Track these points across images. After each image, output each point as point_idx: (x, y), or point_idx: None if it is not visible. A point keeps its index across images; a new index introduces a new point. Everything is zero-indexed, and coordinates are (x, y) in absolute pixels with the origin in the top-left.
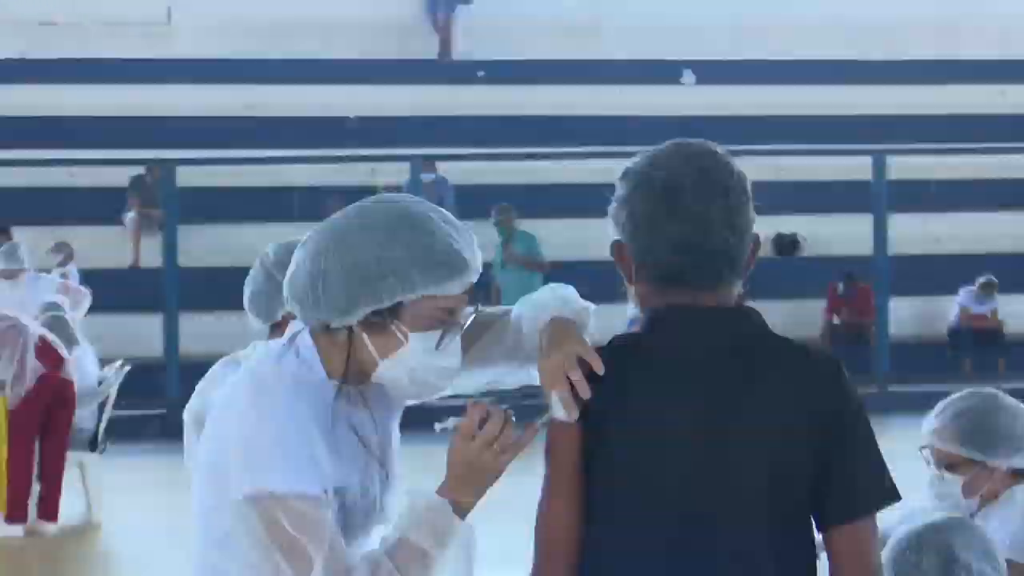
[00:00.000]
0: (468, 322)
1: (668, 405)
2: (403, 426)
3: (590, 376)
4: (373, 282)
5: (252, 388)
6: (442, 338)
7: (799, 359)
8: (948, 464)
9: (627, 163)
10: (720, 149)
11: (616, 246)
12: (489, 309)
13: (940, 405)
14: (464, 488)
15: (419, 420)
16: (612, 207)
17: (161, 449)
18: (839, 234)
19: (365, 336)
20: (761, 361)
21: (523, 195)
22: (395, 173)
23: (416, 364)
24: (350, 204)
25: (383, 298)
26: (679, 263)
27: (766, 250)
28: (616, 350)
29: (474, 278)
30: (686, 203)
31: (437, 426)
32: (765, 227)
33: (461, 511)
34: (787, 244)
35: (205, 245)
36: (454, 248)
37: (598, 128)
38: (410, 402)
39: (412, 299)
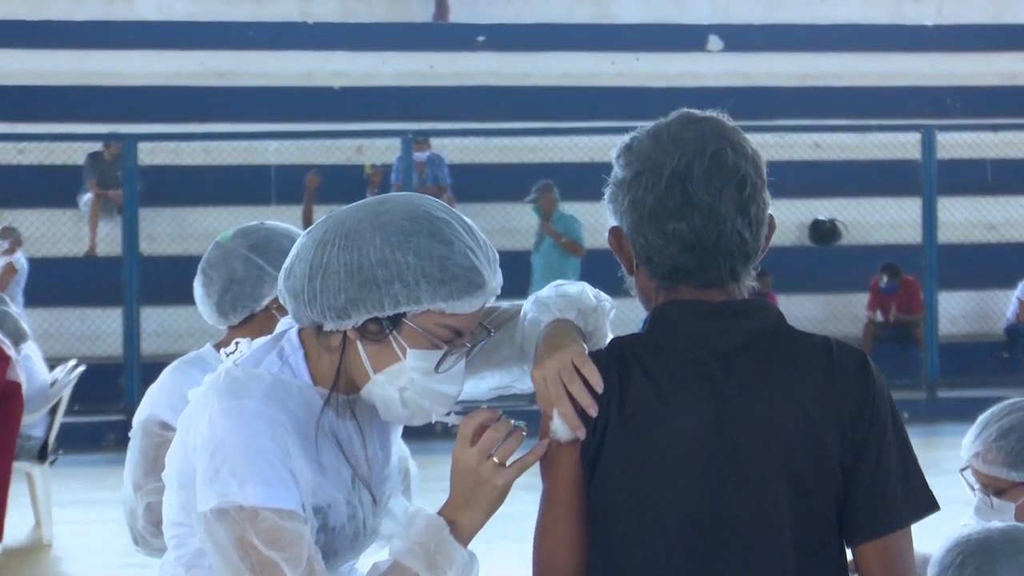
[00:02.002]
0: (477, 349)
1: (675, 413)
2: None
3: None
4: (376, 286)
5: (225, 391)
6: (443, 359)
7: (820, 354)
8: (996, 490)
9: (627, 138)
10: (732, 123)
11: (614, 233)
12: (505, 304)
13: (981, 421)
14: (465, 505)
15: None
16: (610, 190)
17: (119, 460)
18: (883, 220)
19: (360, 345)
20: (777, 359)
21: (528, 176)
22: (384, 151)
23: (409, 384)
24: (332, 184)
25: (384, 305)
26: (686, 262)
27: (802, 238)
28: (616, 354)
29: (490, 299)
30: (696, 195)
31: (435, 417)
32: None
33: (462, 534)
34: (824, 231)
35: (170, 230)
36: (472, 263)
37: (613, 101)
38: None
39: (416, 312)
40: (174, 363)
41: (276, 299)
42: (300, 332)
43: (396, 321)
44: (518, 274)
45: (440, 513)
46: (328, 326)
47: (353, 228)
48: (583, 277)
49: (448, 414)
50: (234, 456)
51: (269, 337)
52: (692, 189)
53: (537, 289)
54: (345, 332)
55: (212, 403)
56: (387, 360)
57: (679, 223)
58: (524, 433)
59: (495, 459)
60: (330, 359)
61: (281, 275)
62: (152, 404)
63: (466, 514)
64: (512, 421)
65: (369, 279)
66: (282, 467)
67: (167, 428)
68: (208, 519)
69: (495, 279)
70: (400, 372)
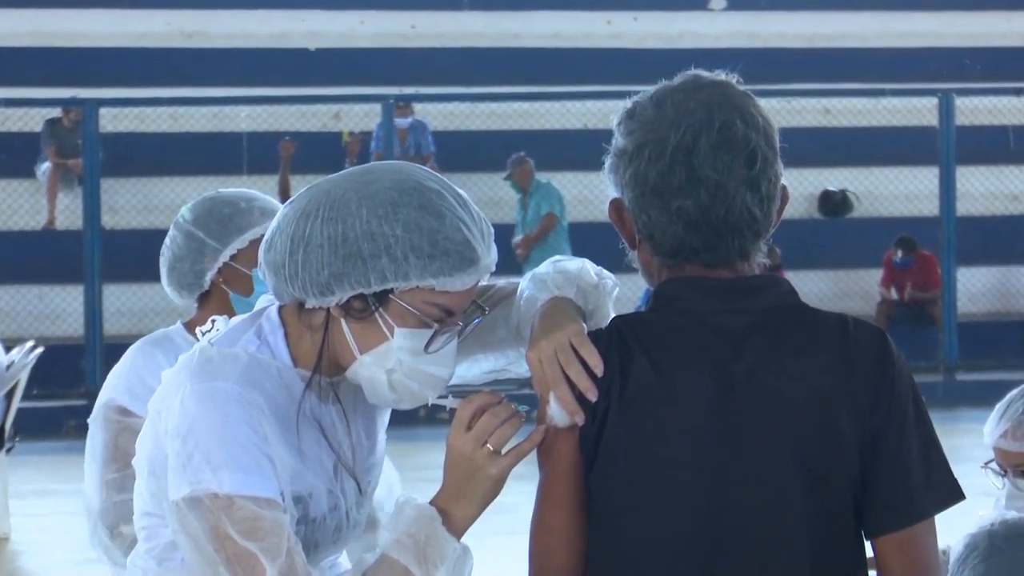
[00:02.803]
0: (471, 328)
1: (678, 398)
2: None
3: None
4: (361, 261)
5: (198, 371)
6: (433, 339)
7: (836, 334)
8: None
9: (628, 103)
10: (743, 89)
11: (614, 205)
12: (501, 283)
13: (1004, 402)
14: (458, 494)
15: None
16: (610, 159)
17: (80, 447)
18: (897, 191)
19: (344, 323)
20: (790, 339)
21: (517, 143)
22: (363, 117)
23: (397, 365)
24: (308, 153)
25: (370, 281)
26: (692, 241)
27: (811, 210)
28: (616, 334)
29: (483, 276)
30: (702, 171)
31: (432, 399)
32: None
33: (455, 525)
34: (835, 203)
35: (134, 203)
36: (464, 237)
37: (609, 63)
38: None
39: (404, 289)
40: (137, 343)
41: (221, 272)
42: (281, 310)
43: (383, 298)
44: (508, 250)
45: (432, 503)
46: (310, 303)
47: (338, 198)
48: (574, 252)
49: (446, 396)
50: (207, 441)
51: (248, 315)
52: (698, 164)
53: (529, 268)
54: (328, 310)
55: (184, 385)
56: (373, 340)
57: (684, 200)
58: (523, 419)
59: (490, 446)
60: (312, 339)
61: (261, 248)
62: (111, 388)
63: (459, 504)
64: (515, 406)
65: (354, 253)
66: (259, 452)
67: (126, 414)
68: (180, 508)
69: (489, 255)
70: (387, 352)
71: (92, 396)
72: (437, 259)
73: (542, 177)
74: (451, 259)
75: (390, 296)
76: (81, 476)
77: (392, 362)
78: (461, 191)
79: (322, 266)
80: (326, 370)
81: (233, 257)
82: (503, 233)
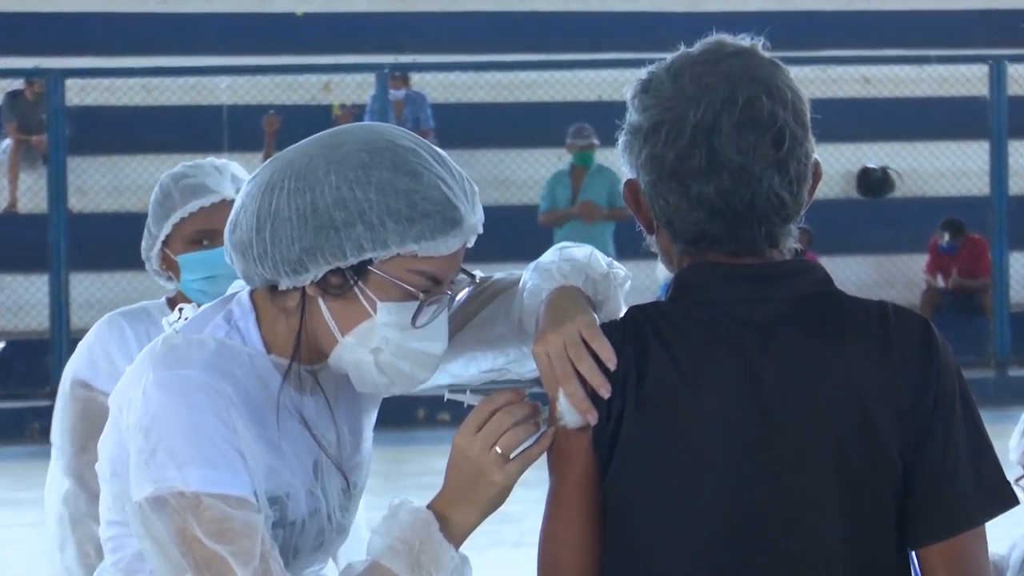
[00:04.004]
0: (461, 296)
1: (700, 397)
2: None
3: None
4: (335, 231)
5: (161, 360)
6: (419, 311)
7: (875, 324)
8: None
9: (644, 74)
10: (770, 58)
11: (630, 187)
12: (500, 275)
13: None
14: (459, 499)
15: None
16: (624, 137)
17: (47, 453)
18: (943, 168)
19: (322, 303)
20: (824, 331)
21: (525, 117)
22: (355, 88)
23: (384, 344)
24: (295, 127)
25: (346, 253)
26: (714, 229)
27: (848, 190)
28: (632, 325)
29: (470, 238)
30: (725, 153)
31: (447, 394)
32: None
33: (453, 532)
34: (876, 182)
35: (104, 183)
36: (445, 196)
37: (625, 29)
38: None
39: (384, 258)
40: (108, 314)
41: (164, 260)
42: (253, 294)
43: (362, 271)
44: (515, 236)
45: (429, 507)
46: (284, 284)
47: (304, 166)
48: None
49: (464, 392)
50: (172, 434)
51: (217, 300)
52: (720, 146)
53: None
54: (304, 289)
55: (147, 374)
56: (355, 318)
57: (705, 185)
58: (540, 423)
59: (498, 449)
60: (288, 323)
61: (226, 230)
62: (73, 362)
63: (459, 509)
64: (539, 405)
65: (326, 223)
66: (228, 446)
67: (88, 388)
68: (144, 509)
69: (474, 214)
70: (371, 331)
71: None
72: (417, 222)
73: (551, 153)
74: (432, 220)
75: (369, 268)
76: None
77: (377, 340)
78: (440, 151)
79: (292, 241)
80: (306, 357)
81: (165, 242)
82: (513, 216)
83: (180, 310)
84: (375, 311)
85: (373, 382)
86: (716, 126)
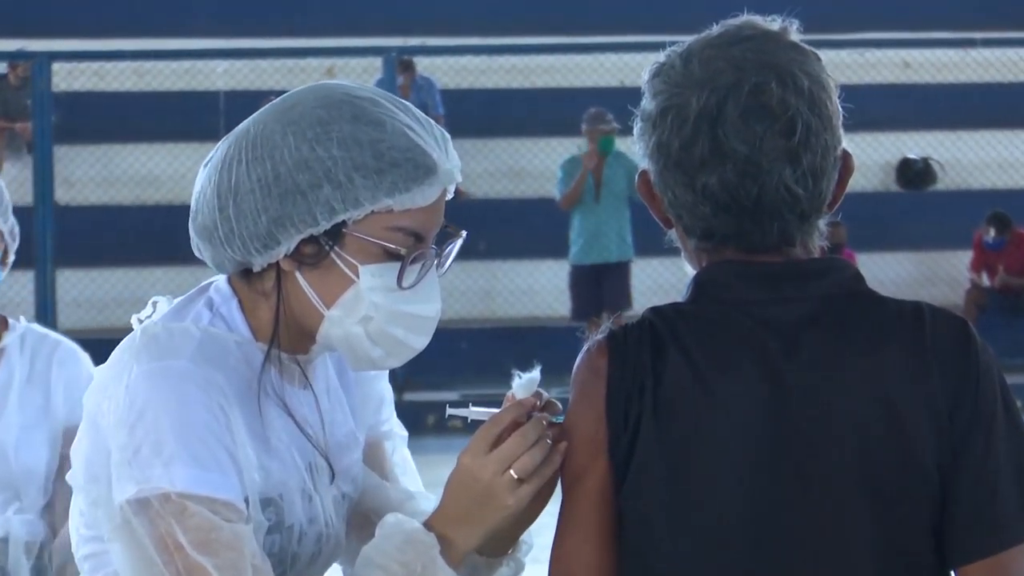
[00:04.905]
0: (453, 250)
1: (720, 404)
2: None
3: (618, 361)
4: (301, 195)
5: (144, 351)
6: (404, 271)
7: (909, 325)
8: None
9: (661, 57)
10: (797, 41)
11: (643, 178)
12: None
13: None
14: (461, 520)
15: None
16: (637, 124)
17: None
18: (988, 159)
19: (300, 276)
20: (854, 333)
21: (540, 104)
22: (360, 72)
23: (373, 311)
24: None
25: (317, 217)
26: (721, 225)
27: (887, 182)
28: (648, 327)
29: (448, 184)
30: (729, 143)
31: (449, 409)
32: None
33: (455, 555)
34: (916, 173)
35: (92, 174)
36: (413, 142)
37: (647, 9)
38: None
39: (358, 218)
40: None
41: None
42: (230, 279)
43: (336, 235)
44: (531, 231)
45: (428, 525)
46: (257, 263)
47: (259, 134)
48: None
49: (466, 406)
50: (159, 429)
51: (192, 291)
52: (724, 135)
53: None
54: (278, 265)
55: (130, 367)
56: (338, 287)
57: (709, 177)
58: (550, 440)
59: (513, 473)
60: (268, 305)
61: (189, 220)
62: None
63: (462, 532)
64: (553, 419)
65: (290, 189)
66: (218, 446)
67: None
68: (124, 512)
69: (449, 160)
70: (357, 299)
71: None
72: (387, 173)
73: (569, 143)
74: (403, 169)
75: (344, 231)
76: None
77: (365, 308)
78: (400, 99)
79: (258, 214)
80: (294, 344)
81: None
82: (530, 209)
83: (154, 304)
84: (358, 276)
85: (367, 356)
86: (720, 114)
